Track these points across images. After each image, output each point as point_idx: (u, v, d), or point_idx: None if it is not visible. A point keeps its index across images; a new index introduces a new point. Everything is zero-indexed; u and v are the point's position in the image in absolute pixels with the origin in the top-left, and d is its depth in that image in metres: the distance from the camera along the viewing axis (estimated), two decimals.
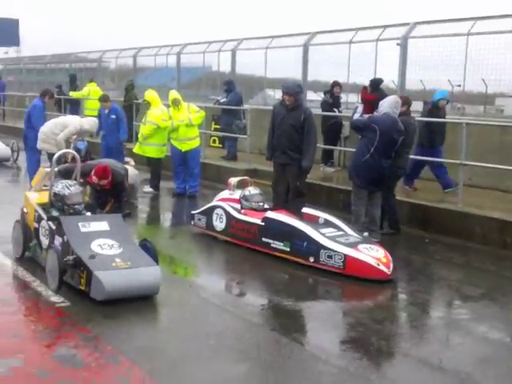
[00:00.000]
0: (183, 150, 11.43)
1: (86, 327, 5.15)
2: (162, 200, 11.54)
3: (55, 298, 5.78)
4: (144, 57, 21.84)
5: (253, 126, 13.13)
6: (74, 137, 11.14)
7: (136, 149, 12.24)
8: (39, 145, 11.12)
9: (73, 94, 20.46)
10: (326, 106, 12.83)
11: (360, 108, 8.70)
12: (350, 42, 13.85)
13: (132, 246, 6.29)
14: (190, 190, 11.53)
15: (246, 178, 8.75)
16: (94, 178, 7.44)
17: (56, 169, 7.16)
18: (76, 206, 6.68)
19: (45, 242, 6.56)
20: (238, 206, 8.28)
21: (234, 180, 8.60)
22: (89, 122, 11.28)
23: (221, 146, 15.75)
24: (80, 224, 6.29)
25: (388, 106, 8.23)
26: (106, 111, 12.57)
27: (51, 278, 5.99)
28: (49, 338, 4.99)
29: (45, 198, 6.95)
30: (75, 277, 5.90)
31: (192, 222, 8.76)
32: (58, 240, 6.27)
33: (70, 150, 7.62)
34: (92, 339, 4.92)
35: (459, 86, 14.20)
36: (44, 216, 6.57)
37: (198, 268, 7.50)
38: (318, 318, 5.67)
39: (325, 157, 13.07)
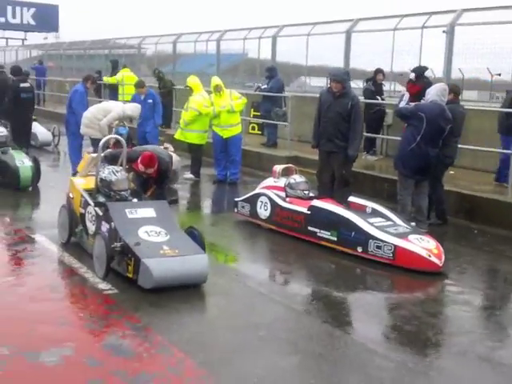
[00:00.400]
0: (224, 137, 11.32)
1: (134, 316, 5.09)
2: (202, 187, 11.46)
3: (102, 285, 5.74)
4: (183, 43, 21.70)
5: (293, 113, 12.94)
6: (116, 122, 11.10)
7: (177, 135, 12.17)
8: (82, 130, 11.11)
9: (106, 80, 20.45)
10: (368, 93, 12.55)
11: (406, 96, 8.48)
12: (395, 29, 13.50)
13: (179, 233, 6.20)
14: (230, 177, 11.42)
15: (290, 165, 8.59)
16: (141, 167, 7.37)
17: (102, 154, 7.10)
18: (122, 192, 6.63)
19: (91, 228, 6.52)
20: (283, 194, 8.14)
21: (278, 167, 8.46)
22: (131, 108, 11.22)
23: (260, 132, 15.62)
24: (127, 210, 6.23)
25: (435, 93, 7.97)
26: (142, 97, 12.51)
27: (98, 265, 5.95)
28: (97, 326, 4.93)
29: (91, 183, 6.91)
30: (122, 264, 5.84)
31: (235, 210, 8.66)
32: (105, 226, 6.21)
33: (116, 136, 7.53)
34: (141, 329, 4.85)
35: (499, 74, 13.92)
36: (91, 202, 6.52)
37: (243, 256, 7.39)
38: (370, 311, 5.51)
39: (367, 145, 12.82)
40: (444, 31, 12.28)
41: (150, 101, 12.48)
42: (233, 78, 20.12)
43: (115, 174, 6.62)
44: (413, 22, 13.22)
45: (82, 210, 6.75)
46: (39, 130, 14.95)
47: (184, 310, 5.28)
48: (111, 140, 11.07)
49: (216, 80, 11.46)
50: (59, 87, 24.35)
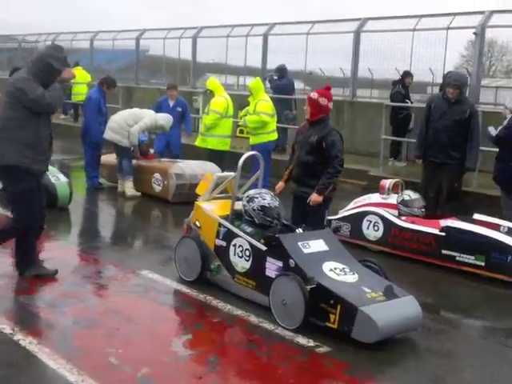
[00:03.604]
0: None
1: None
2: None
3: (302, 340, 4.66)
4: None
5: (302, 116, 12.08)
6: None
7: (198, 141, 10.93)
8: (108, 134, 9.76)
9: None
10: (399, 96, 11.94)
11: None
12: (414, 30, 12.96)
13: (361, 268, 5.22)
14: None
15: (398, 179, 7.76)
16: None
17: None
18: (275, 221, 5.57)
19: (242, 264, 5.40)
20: (396, 213, 7.30)
21: (388, 182, 7.59)
22: (164, 118, 9.99)
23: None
24: (300, 244, 5.18)
25: None
26: (171, 104, 11.22)
27: (285, 314, 4.86)
28: None
29: (223, 209, 5.79)
30: (316, 311, 4.79)
31: (327, 228, 7.68)
32: (274, 264, 5.13)
33: (255, 153, 6.33)
34: None
35: None
36: (241, 233, 5.42)
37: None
38: None
39: (394, 151, 12.22)
40: (474, 33, 11.84)
41: (180, 109, 11.23)
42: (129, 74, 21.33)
43: (276, 199, 5.58)
44: (434, 22, 12.74)
45: (222, 243, 5.61)
46: None
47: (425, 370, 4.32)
48: (136, 148, 9.97)
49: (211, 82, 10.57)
50: None
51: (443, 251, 6.74)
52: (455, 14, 12.46)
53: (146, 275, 5.98)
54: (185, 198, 9.43)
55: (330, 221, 7.73)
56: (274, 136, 10.36)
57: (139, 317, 4.97)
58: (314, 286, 4.79)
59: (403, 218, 7.20)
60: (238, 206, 5.71)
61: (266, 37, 15.74)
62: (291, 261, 5.00)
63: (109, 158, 10.73)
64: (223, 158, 10.73)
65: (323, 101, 6.05)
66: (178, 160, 10.31)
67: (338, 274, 5.00)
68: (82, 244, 7.10)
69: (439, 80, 13.59)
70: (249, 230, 5.51)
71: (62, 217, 8.40)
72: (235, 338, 4.81)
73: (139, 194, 9.81)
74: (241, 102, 13.01)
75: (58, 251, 6.76)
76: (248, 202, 5.62)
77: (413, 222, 7.08)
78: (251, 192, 5.72)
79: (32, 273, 5.65)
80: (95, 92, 10.25)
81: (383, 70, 14.27)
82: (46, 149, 5.49)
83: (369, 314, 4.53)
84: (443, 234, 6.76)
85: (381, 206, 7.46)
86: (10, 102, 5.28)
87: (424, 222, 7.06)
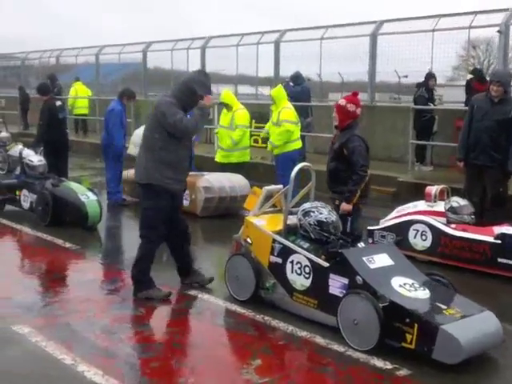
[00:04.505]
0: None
1: None
2: None
3: (380, 363, 4.37)
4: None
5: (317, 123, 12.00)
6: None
7: (221, 158, 10.56)
8: (132, 150, 9.49)
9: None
10: (422, 100, 11.66)
11: None
12: (433, 31, 12.72)
13: (430, 282, 4.94)
14: None
15: (444, 186, 7.48)
16: None
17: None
18: (332, 237, 5.30)
19: (301, 281, 5.13)
20: (444, 220, 7.03)
21: (434, 189, 7.32)
22: None
23: (265, 145, 14.36)
24: (365, 258, 4.91)
25: None
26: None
27: (356, 335, 4.57)
28: None
29: (275, 223, 5.53)
30: (390, 330, 4.51)
31: (370, 240, 7.43)
32: (337, 281, 4.86)
33: (307, 164, 6.06)
34: None
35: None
36: (300, 250, 5.14)
37: None
38: None
39: (419, 155, 11.95)
40: (498, 31, 11.57)
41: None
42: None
43: (333, 213, 5.31)
44: (453, 21, 12.52)
45: (277, 260, 5.33)
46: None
47: None
48: None
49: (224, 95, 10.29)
50: None
51: (499, 259, 6.46)
52: (476, 13, 12.20)
53: (195, 296, 5.70)
54: (213, 211, 9.20)
55: (373, 231, 7.48)
56: (299, 144, 10.07)
57: (201, 341, 4.71)
58: (387, 303, 4.52)
59: (453, 225, 6.93)
60: (289, 220, 5.46)
61: (277, 44, 15.48)
62: (358, 277, 4.73)
63: (130, 173, 10.47)
64: (242, 169, 10.47)
65: (351, 107, 6.08)
66: (204, 173, 10.03)
67: (409, 289, 4.72)
68: (121, 264, 6.81)
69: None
70: (306, 245, 5.24)
71: (94, 236, 8.14)
72: (307, 362, 4.52)
73: None
74: (254, 111, 12.89)
75: (99, 272, 6.53)
76: (304, 216, 5.36)
77: (464, 230, 6.80)
78: (306, 206, 5.46)
79: (191, 280, 5.92)
80: (117, 104, 9.97)
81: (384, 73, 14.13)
82: (185, 169, 5.68)
83: (451, 332, 4.25)
84: (499, 241, 6.48)
85: (428, 213, 7.19)
86: (153, 123, 5.49)
87: (476, 229, 6.78)
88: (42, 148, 9.99)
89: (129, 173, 10.36)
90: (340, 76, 16.90)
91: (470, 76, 11.56)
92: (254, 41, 16.23)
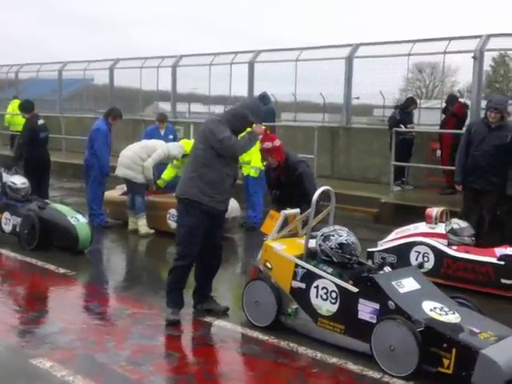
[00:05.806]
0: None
1: None
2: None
3: None
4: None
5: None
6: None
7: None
8: (120, 171, 9.27)
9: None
10: (394, 121, 11.92)
11: None
12: (409, 55, 12.96)
13: (457, 306, 4.94)
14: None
15: (444, 208, 7.56)
16: None
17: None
18: (353, 258, 5.27)
19: (326, 307, 5.06)
20: (445, 242, 7.09)
21: (435, 211, 7.38)
22: (176, 148, 9.56)
23: None
24: (394, 283, 4.88)
25: None
26: (162, 132, 10.99)
27: (392, 361, 4.52)
28: None
29: (295, 248, 5.46)
30: (425, 355, 4.48)
31: (369, 261, 7.42)
32: (367, 306, 4.81)
33: (328, 187, 5.89)
34: None
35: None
36: (323, 274, 5.09)
37: None
38: None
39: (398, 176, 12.09)
40: (473, 57, 11.86)
41: (171, 136, 10.97)
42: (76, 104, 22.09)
43: (352, 235, 5.28)
44: (428, 47, 12.81)
45: (300, 285, 5.26)
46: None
47: None
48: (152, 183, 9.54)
49: None
50: None
51: (502, 280, 6.55)
52: (451, 39, 12.50)
53: (211, 322, 5.56)
54: None
55: (372, 253, 7.49)
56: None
57: (234, 372, 4.57)
58: (422, 328, 4.50)
59: (454, 247, 7.00)
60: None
61: (251, 64, 15.50)
62: (390, 302, 4.69)
63: (111, 195, 10.27)
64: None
65: (276, 142, 6.41)
66: None
67: (440, 313, 4.71)
68: (124, 290, 6.61)
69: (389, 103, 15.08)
70: (329, 270, 5.19)
71: (85, 260, 7.89)
72: None
73: (153, 231, 9.35)
74: None
75: (103, 300, 6.31)
76: (324, 241, 5.31)
77: (466, 252, 6.88)
78: (325, 230, 5.41)
79: (204, 307, 5.79)
80: (103, 124, 9.75)
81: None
82: (226, 190, 5.54)
83: (491, 356, 4.25)
84: (502, 262, 6.57)
85: (429, 235, 7.24)
86: (201, 140, 5.48)
87: (478, 250, 6.87)
88: (14, 168, 9.67)
89: (109, 194, 10.17)
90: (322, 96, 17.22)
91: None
92: (227, 60, 16.18)
